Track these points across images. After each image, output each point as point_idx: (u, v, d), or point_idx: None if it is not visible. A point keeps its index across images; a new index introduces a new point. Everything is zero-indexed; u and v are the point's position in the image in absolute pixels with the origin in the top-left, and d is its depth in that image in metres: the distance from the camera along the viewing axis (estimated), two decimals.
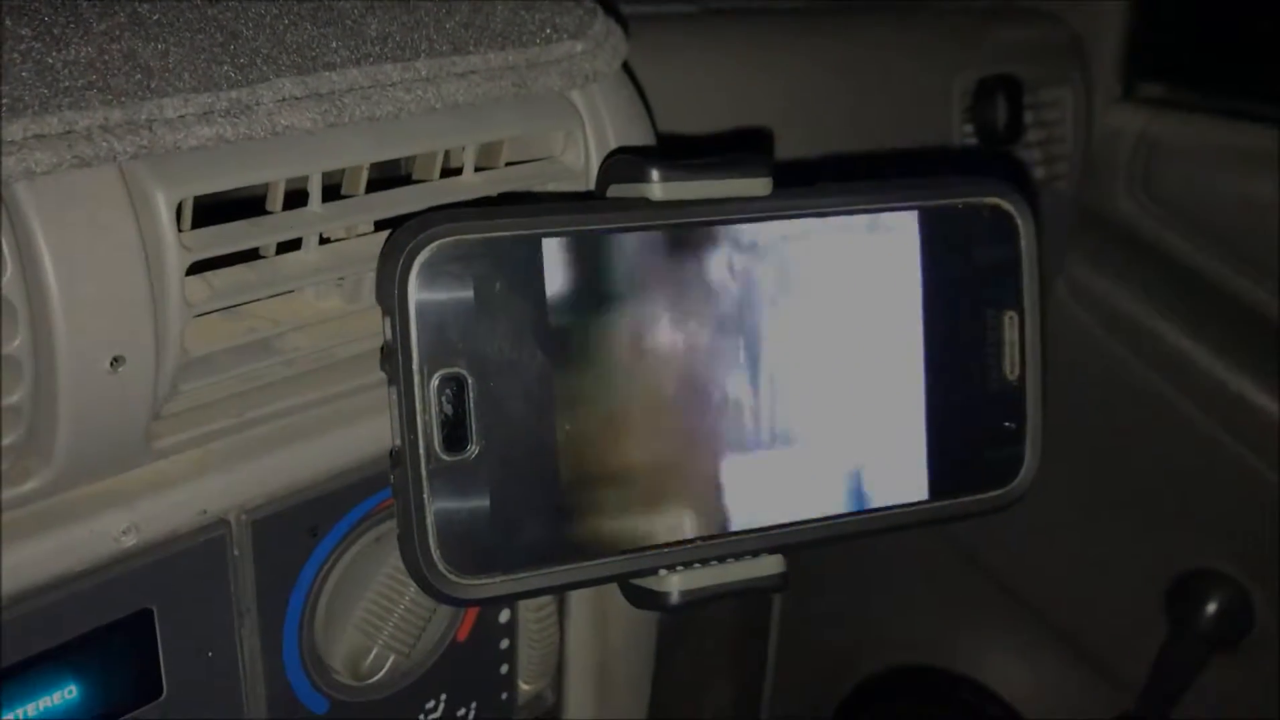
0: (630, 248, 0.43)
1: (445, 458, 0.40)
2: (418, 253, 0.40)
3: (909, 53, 0.88)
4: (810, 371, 0.46)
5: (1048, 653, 1.17)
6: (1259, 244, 0.98)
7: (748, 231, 0.45)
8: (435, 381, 0.40)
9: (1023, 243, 0.49)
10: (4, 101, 0.35)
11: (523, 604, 0.55)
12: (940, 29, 0.94)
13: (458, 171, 0.48)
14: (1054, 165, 1.01)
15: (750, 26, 0.80)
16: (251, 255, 0.43)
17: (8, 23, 0.37)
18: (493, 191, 0.48)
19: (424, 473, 0.40)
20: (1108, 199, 1.05)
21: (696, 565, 0.45)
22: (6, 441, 0.38)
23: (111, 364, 0.38)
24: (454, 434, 0.41)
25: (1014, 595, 1.18)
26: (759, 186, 0.45)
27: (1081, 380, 1.05)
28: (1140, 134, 1.03)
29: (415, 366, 0.40)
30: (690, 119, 0.68)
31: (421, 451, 0.40)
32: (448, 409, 0.40)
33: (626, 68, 0.53)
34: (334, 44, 0.43)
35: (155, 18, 0.40)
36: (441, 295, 0.40)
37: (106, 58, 0.38)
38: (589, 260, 0.42)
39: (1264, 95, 1.02)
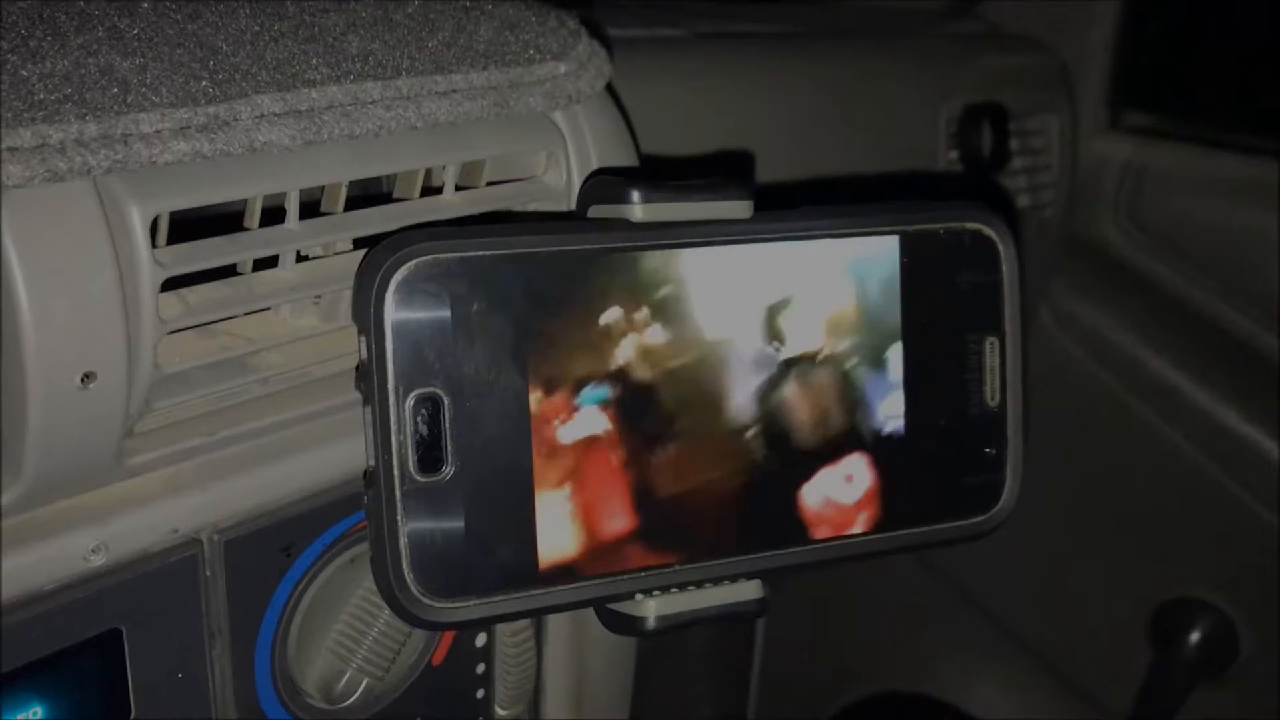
0: (610, 268, 0.43)
1: (420, 479, 0.40)
2: (395, 271, 0.40)
3: (896, 78, 0.89)
4: (789, 395, 0.46)
5: (1032, 680, 1.17)
6: (1244, 273, 0.98)
7: (728, 254, 0.45)
8: (410, 401, 0.40)
9: (1004, 268, 0.49)
10: None
11: (499, 628, 0.55)
12: (927, 55, 0.94)
13: (438, 190, 0.47)
14: (1039, 193, 1.01)
15: (736, 51, 0.80)
16: (227, 272, 0.42)
17: None
18: (473, 211, 0.47)
19: (398, 494, 0.40)
20: (1093, 227, 1.05)
21: (674, 590, 0.44)
22: None
23: (82, 380, 0.37)
24: (429, 455, 0.40)
25: (998, 622, 1.18)
26: (740, 209, 0.45)
27: (1065, 407, 1.05)
28: (1126, 163, 1.04)
29: (390, 386, 0.40)
30: (674, 142, 0.68)
31: (396, 472, 0.40)
32: (423, 429, 0.40)
33: (611, 90, 0.53)
34: (314, 61, 0.43)
35: (134, 32, 0.40)
36: (418, 315, 0.40)
37: (83, 71, 0.38)
38: (568, 281, 0.42)
39: (1249, 125, 1.02)
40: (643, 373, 0.43)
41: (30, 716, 0.40)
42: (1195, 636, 1.04)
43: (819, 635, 1.22)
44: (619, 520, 0.43)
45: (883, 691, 1.23)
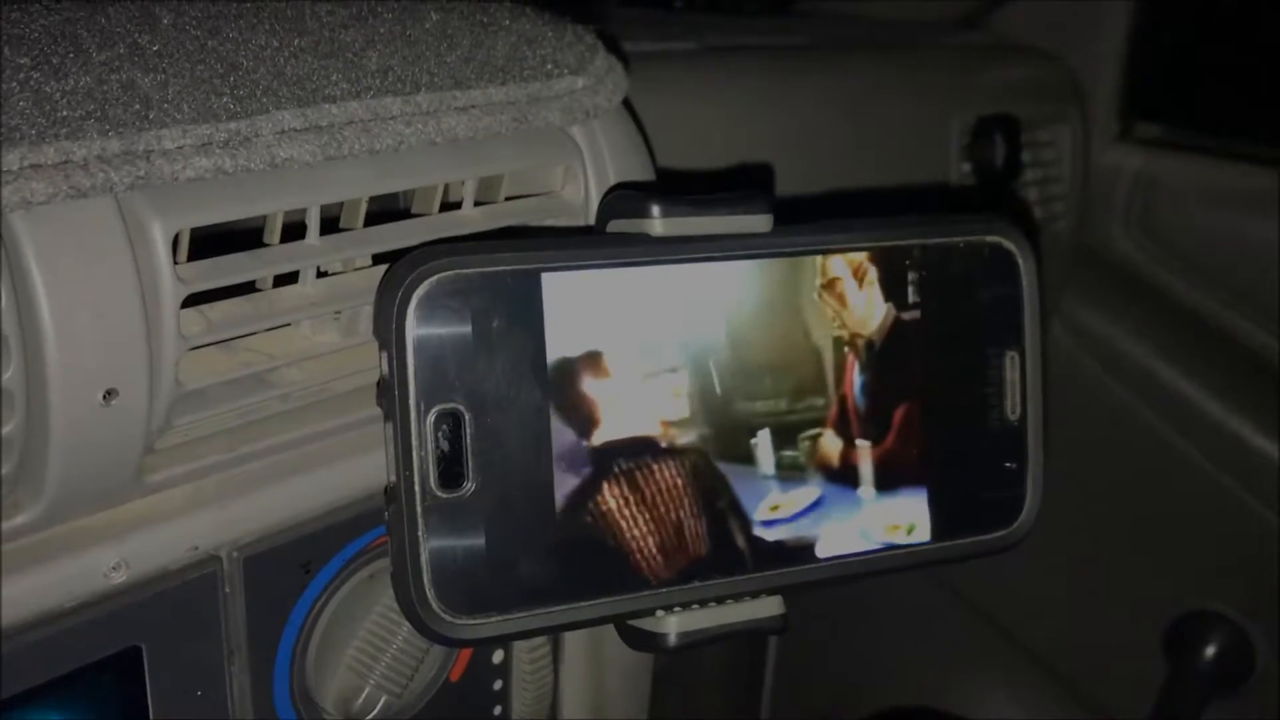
0: (630, 283, 0.43)
1: (441, 494, 0.40)
2: (416, 287, 0.39)
3: (908, 91, 0.89)
4: (810, 409, 0.45)
5: (1045, 694, 1.16)
6: (1255, 284, 0.98)
7: (748, 268, 0.44)
8: (432, 417, 0.40)
9: (1024, 281, 0.49)
10: (1, 131, 0.35)
11: (517, 644, 0.54)
12: (939, 68, 0.94)
13: (457, 206, 0.47)
14: (1051, 204, 1.01)
15: (751, 64, 0.80)
16: (248, 288, 0.42)
17: (6, 52, 0.37)
18: (492, 226, 0.47)
19: (419, 509, 0.40)
20: (1105, 238, 1.05)
21: (694, 606, 0.44)
22: None
23: (104, 397, 0.37)
24: (450, 470, 0.40)
25: (1011, 637, 1.17)
26: (759, 223, 0.45)
27: (1077, 419, 1.05)
28: (1137, 173, 1.03)
29: (412, 402, 0.40)
30: (691, 156, 0.68)
31: (417, 488, 0.40)
32: (444, 445, 0.40)
33: (628, 104, 0.53)
34: (334, 76, 0.43)
35: (155, 49, 0.40)
36: (439, 330, 0.40)
37: (105, 88, 0.38)
38: (588, 296, 0.42)
39: (1260, 136, 1.02)
40: (663, 386, 0.43)
41: None
42: (1210, 650, 1.03)
43: (831, 651, 1.22)
44: (640, 536, 0.43)
45: (896, 707, 1.22)
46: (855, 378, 0.46)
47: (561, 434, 0.41)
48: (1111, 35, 1.04)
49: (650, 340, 0.43)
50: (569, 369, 0.42)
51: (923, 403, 0.47)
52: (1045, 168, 1.00)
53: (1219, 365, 1.01)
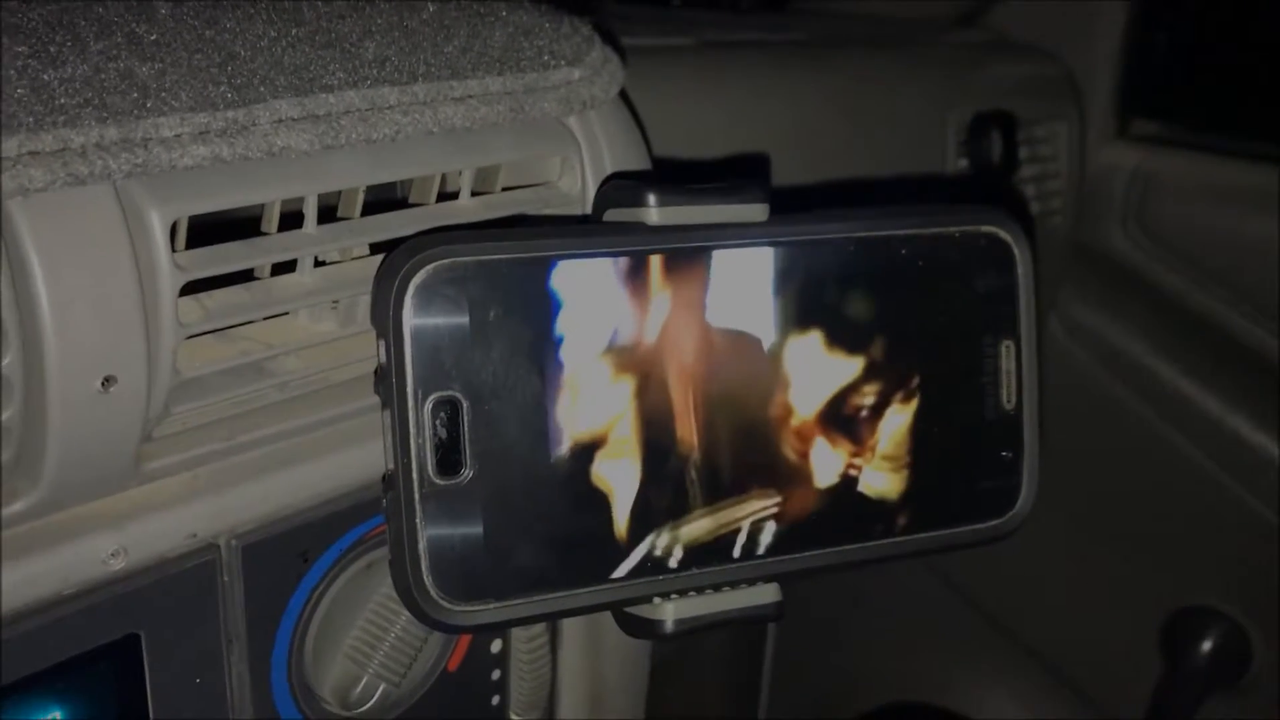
0: (626, 272, 0.43)
1: (438, 482, 0.40)
2: (413, 276, 0.40)
3: (905, 86, 0.89)
4: (806, 397, 0.46)
5: (1044, 691, 1.17)
6: (1252, 281, 0.98)
7: (744, 257, 0.45)
8: (429, 405, 0.40)
9: (1019, 271, 0.49)
10: None
11: (515, 633, 0.55)
12: (936, 64, 0.94)
13: (454, 195, 0.47)
14: (1048, 201, 1.01)
15: (749, 60, 0.81)
16: (246, 276, 0.42)
17: (4, 40, 0.37)
18: (489, 216, 0.48)
19: (416, 497, 0.40)
20: (1102, 235, 1.05)
21: (691, 593, 0.44)
22: None
23: (103, 384, 0.38)
24: (447, 458, 0.40)
25: (1009, 633, 1.17)
26: (755, 212, 0.45)
27: (1075, 416, 1.05)
28: (1134, 171, 1.04)
29: (409, 390, 0.40)
30: (689, 150, 0.68)
31: (414, 475, 0.40)
32: (441, 433, 0.40)
33: (625, 97, 0.53)
34: (332, 66, 0.43)
35: (153, 38, 0.40)
36: (436, 318, 0.40)
37: (103, 76, 0.38)
38: (584, 284, 0.42)
39: (1257, 133, 1.02)
40: (659, 375, 0.43)
41: None
42: (1207, 646, 1.03)
43: (830, 645, 1.22)
44: (637, 522, 0.43)
45: (893, 703, 1.22)
46: (852, 366, 0.46)
47: (558, 421, 0.42)
48: (1109, 33, 1.04)
49: (646, 327, 0.43)
50: (566, 357, 0.42)
51: (919, 392, 0.47)
52: (1042, 164, 1.00)
53: (1216, 362, 1.02)
